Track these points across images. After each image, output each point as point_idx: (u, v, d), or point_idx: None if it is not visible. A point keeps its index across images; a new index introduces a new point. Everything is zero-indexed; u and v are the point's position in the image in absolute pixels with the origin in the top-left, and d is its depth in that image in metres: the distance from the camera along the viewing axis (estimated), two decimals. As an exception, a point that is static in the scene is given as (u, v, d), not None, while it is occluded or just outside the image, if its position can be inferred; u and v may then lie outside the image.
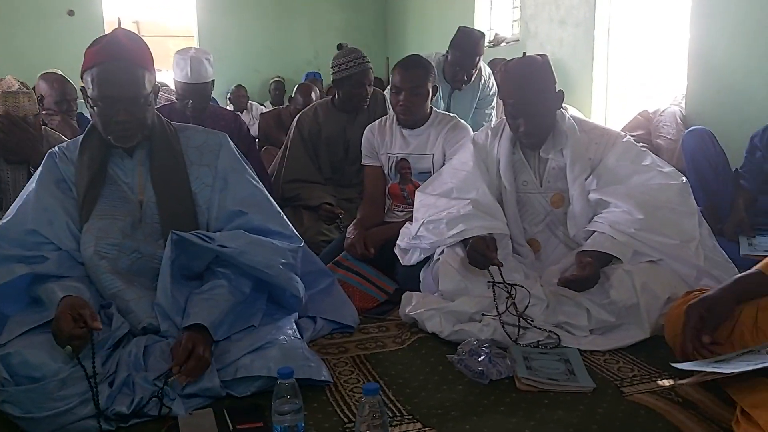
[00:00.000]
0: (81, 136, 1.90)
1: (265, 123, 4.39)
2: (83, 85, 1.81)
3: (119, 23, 1.94)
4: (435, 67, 3.62)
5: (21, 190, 2.65)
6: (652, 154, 2.28)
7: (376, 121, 2.83)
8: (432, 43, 6.78)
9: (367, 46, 7.27)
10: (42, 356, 1.50)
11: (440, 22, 6.80)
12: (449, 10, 6.60)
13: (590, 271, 1.94)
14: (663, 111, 3.89)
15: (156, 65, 1.92)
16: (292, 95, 4.59)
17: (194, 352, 1.56)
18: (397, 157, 2.70)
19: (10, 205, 2.66)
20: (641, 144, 2.56)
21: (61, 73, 3.69)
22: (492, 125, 2.44)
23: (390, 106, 3.36)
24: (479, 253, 2.04)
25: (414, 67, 2.58)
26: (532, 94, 2.15)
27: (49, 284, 1.66)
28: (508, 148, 2.30)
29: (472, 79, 3.77)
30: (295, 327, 1.81)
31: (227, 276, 1.77)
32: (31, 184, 1.85)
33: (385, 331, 2.14)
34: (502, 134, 2.33)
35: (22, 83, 2.65)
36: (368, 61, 3.09)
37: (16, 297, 1.72)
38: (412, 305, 2.13)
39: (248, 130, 3.34)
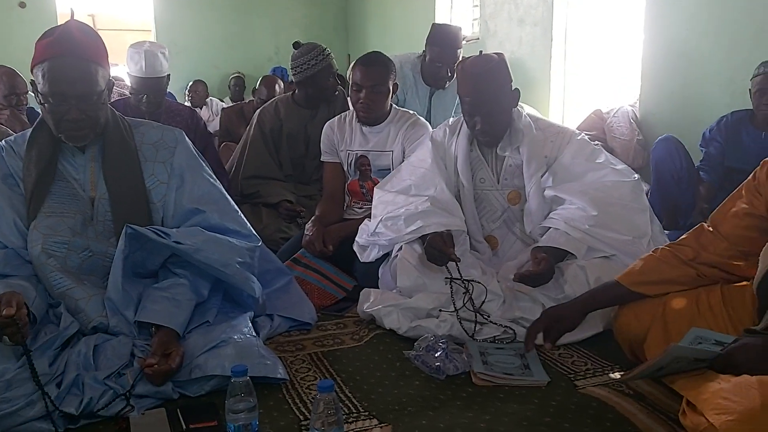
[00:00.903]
0: (29, 130, 1.84)
1: (226, 118, 4.33)
2: (33, 79, 1.76)
3: (72, 15, 1.87)
4: (411, 69, 3.62)
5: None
6: (606, 152, 2.33)
7: (336, 118, 2.81)
8: (393, 41, 6.81)
9: (328, 42, 7.18)
10: (-13, 357, 1.46)
11: (401, 19, 6.82)
12: (410, 7, 6.62)
13: (545, 266, 1.97)
14: (616, 111, 3.96)
15: (112, 60, 1.87)
16: (256, 87, 4.53)
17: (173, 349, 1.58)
18: (356, 153, 2.70)
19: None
20: (595, 143, 2.61)
21: (10, 66, 3.58)
22: (449, 123, 2.45)
23: (350, 103, 3.37)
24: (436, 249, 2.05)
25: (374, 64, 2.57)
26: (488, 92, 2.17)
27: (-6, 284, 1.61)
28: (466, 145, 2.32)
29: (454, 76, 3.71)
30: (250, 325, 1.80)
31: (186, 276, 1.74)
32: (-24, 179, 1.79)
33: (343, 328, 2.13)
34: (459, 132, 2.35)
35: None
36: (330, 53, 3.08)
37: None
38: (370, 302, 2.13)
39: (205, 126, 3.29)
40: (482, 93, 2.17)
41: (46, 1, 6.81)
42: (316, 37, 7.78)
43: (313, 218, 2.63)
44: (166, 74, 2.98)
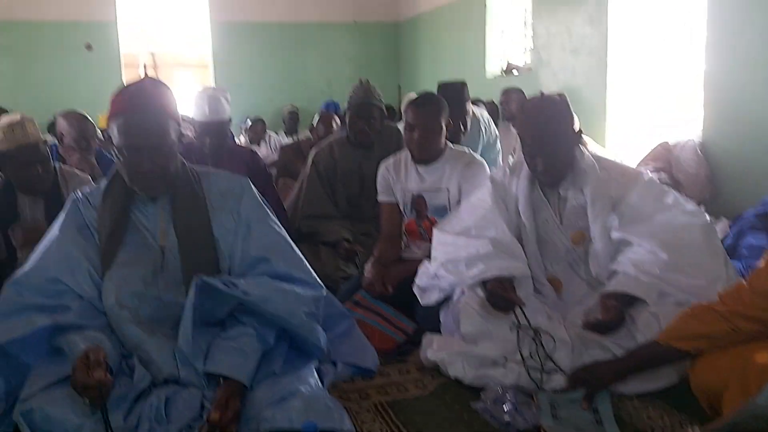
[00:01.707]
0: (104, 181, 1.90)
1: (285, 155, 4.41)
2: (107, 130, 1.82)
3: (145, 73, 1.94)
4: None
5: (40, 220, 2.72)
6: (675, 192, 2.26)
7: (391, 158, 2.83)
8: (445, 72, 6.83)
9: (379, 75, 7.36)
10: (64, 411, 1.49)
11: (452, 51, 6.85)
12: (461, 38, 6.65)
13: (615, 314, 1.91)
14: (683, 144, 3.86)
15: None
16: (314, 125, 4.59)
17: (234, 405, 1.56)
18: (412, 193, 2.70)
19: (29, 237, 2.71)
20: (661, 176, 2.56)
21: (81, 111, 3.73)
22: (510, 163, 2.43)
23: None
24: (499, 295, 2.02)
25: (427, 104, 2.59)
26: (551, 133, 2.15)
27: (71, 335, 1.65)
28: (527, 186, 2.29)
29: (469, 127, 3.67)
30: (316, 375, 1.79)
31: (252, 324, 1.76)
32: (54, 230, 1.85)
33: (406, 374, 2.11)
34: (520, 172, 2.32)
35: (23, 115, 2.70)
36: (374, 96, 3.09)
37: (38, 347, 1.71)
38: (433, 348, 2.10)
39: (265, 167, 3.36)
40: (544, 134, 2.14)
41: (111, 43, 7.12)
42: (367, 69, 7.91)
43: (372, 259, 2.63)
44: (227, 117, 3.06)
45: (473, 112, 3.82)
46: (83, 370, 1.50)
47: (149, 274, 1.80)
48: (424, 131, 2.53)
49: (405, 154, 2.75)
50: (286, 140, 6.09)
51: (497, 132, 4.10)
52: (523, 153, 2.24)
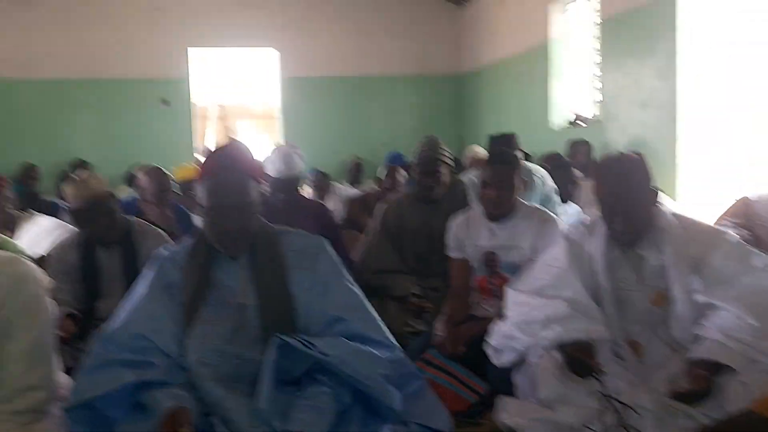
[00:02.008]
0: (188, 241, 1.98)
1: (352, 208, 4.48)
2: (183, 184, 1.90)
3: (231, 140, 2.05)
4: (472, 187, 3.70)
5: (116, 271, 2.83)
6: (761, 254, 2.16)
7: (462, 213, 2.83)
8: (509, 123, 6.84)
9: (441, 126, 7.45)
10: (148, 467, 1.52)
11: (516, 102, 6.87)
12: (525, 89, 6.67)
13: (704, 384, 1.83)
14: (766, 198, 3.71)
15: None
16: (380, 177, 4.65)
17: None
18: (484, 249, 2.68)
19: (106, 288, 2.83)
20: (741, 232, 2.46)
21: (159, 166, 3.90)
22: (585, 221, 2.39)
23: (472, 195, 3.38)
24: (579, 360, 1.97)
25: (502, 161, 2.59)
26: (628, 192, 2.11)
27: (156, 392, 1.70)
28: (604, 245, 2.24)
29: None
30: (392, 437, 1.77)
31: (328, 384, 1.76)
32: (141, 287, 1.92)
33: (480, 438, 2.06)
34: (596, 231, 2.28)
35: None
36: (441, 151, 3.11)
37: (123, 402, 1.76)
38: (508, 412, 2.05)
39: (334, 220, 3.41)
40: (622, 194, 2.11)
41: (184, 97, 7.47)
42: (429, 120, 8.02)
43: (442, 317, 2.61)
44: (300, 173, 3.14)
45: (526, 165, 3.85)
46: (169, 428, 1.52)
47: (229, 331, 1.84)
48: (499, 189, 2.54)
49: (476, 210, 2.75)
50: (351, 191, 6.17)
51: (554, 185, 4.08)
52: (601, 212, 2.20)
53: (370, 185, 6.60)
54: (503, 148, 3.67)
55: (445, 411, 2.13)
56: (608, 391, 1.91)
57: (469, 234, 2.73)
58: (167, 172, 3.83)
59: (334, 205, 6.33)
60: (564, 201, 3.90)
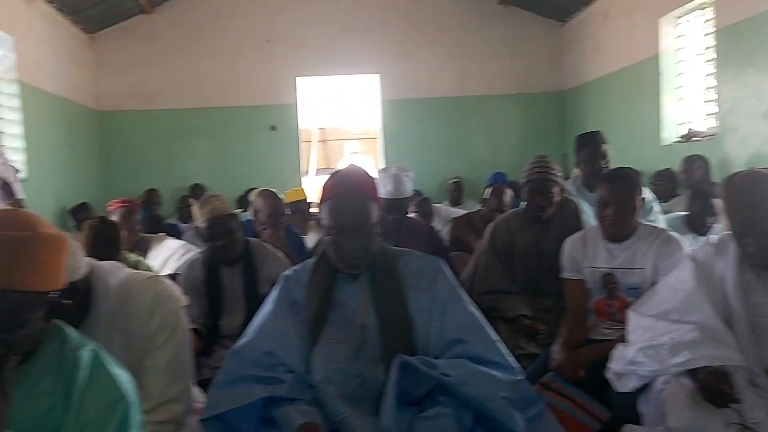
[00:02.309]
0: (310, 261, 2.05)
1: (457, 228, 4.46)
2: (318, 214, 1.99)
3: (350, 165, 2.12)
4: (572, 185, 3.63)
5: (237, 289, 2.97)
6: None
7: (578, 234, 2.77)
8: (614, 139, 6.59)
9: (543, 144, 7.30)
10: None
11: (623, 118, 6.64)
12: (632, 105, 6.44)
13: None
14: None
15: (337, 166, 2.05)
16: (486, 197, 4.62)
17: None
18: (602, 271, 2.60)
19: (228, 305, 2.98)
20: None
21: (274, 190, 4.07)
22: (714, 241, 2.28)
23: (583, 215, 3.29)
24: (712, 388, 1.86)
25: (622, 180, 2.52)
26: (763, 210, 2.00)
27: (285, 408, 1.76)
28: (736, 266, 2.12)
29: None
30: (516, 462, 1.75)
31: (449, 405, 1.77)
32: (268, 305, 2.01)
33: (605, 467, 1.99)
34: (727, 251, 2.16)
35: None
36: (552, 171, 3.06)
37: (253, 416, 1.84)
38: (636, 441, 1.97)
39: (442, 242, 3.42)
40: (756, 212, 2.00)
41: (291, 123, 7.76)
42: (531, 138, 7.90)
43: (559, 340, 2.55)
44: (410, 195, 3.18)
45: None
46: None
47: (352, 351, 1.89)
48: (618, 208, 2.46)
49: (593, 230, 2.68)
50: (452, 211, 6.16)
51: (651, 194, 3.90)
52: (732, 232, 2.09)
53: (471, 205, 6.57)
54: (590, 140, 3.68)
55: (567, 437, 2.09)
56: (747, 422, 1.80)
57: (585, 255, 2.66)
58: (280, 195, 3.98)
59: (436, 226, 6.35)
60: (702, 234, 3.64)
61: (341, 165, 2.51)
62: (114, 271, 1.84)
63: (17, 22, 5.49)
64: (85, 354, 1.23)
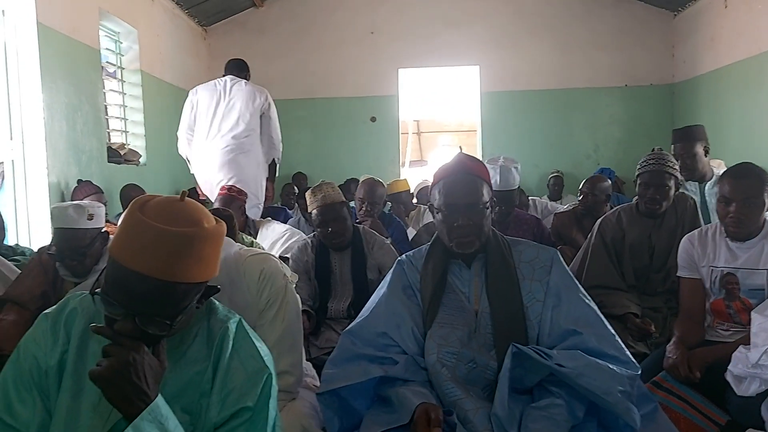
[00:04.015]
0: (425, 246, 2.09)
1: (559, 222, 4.38)
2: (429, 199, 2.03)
3: (461, 149, 2.16)
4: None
5: (346, 274, 3.06)
6: None
7: (696, 231, 2.66)
8: (729, 133, 6.29)
9: (650, 139, 7.00)
10: (396, 457, 1.63)
11: (740, 111, 6.27)
12: (752, 98, 6.07)
13: None
14: None
15: (428, 158, 2.07)
16: (581, 189, 4.50)
17: None
18: (722, 271, 2.49)
19: (336, 289, 3.07)
20: None
21: (375, 177, 4.15)
22: None
23: (706, 214, 3.15)
24: None
25: (746, 176, 2.39)
26: None
27: (401, 388, 1.80)
28: None
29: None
30: (629, 458, 1.71)
31: (562, 396, 1.76)
32: (383, 288, 2.06)
33: (723, 472, 1.92)
34: None
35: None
36: (668, 165, 2.95)
37: (366, 394, 1.90)
38: (760, 447, 1.89)
39: (549, 235, 3.37)
40: None
41: (391, 114, 7.85)
42: (636, 133, 7.61)
43: (673, 339, 2.46)
44: (517, 187, 3.16)
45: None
46: (424, 426, 1.62)
47: (465, 335, 1.91)
48: (742, 206, 2.35)
49: (713, 228, 2.57)
50: (550, 204, 6.04)
51: None
52: None
53: (571, 200, 6.41)
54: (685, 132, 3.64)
55: (682, 437, 2.03)
56: None
57: (703, 253, 2.55)
58: (380, 182, 4.05)
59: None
60: None
61: (434, 157, 2.55)
62: (225, 246, 1.94)
63: (140, 16, 5.85)
64: (232, 325, 1.31)
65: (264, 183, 4.90)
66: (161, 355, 1.19)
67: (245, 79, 4.84)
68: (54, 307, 1.33)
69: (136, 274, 1.12)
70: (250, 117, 4.68)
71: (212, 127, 4.69)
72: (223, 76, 4.86)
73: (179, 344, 1.29)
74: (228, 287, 1.83)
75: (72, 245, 2.57)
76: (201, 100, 4.74)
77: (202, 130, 4.72)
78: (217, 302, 1.37)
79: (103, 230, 2.67)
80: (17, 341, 1.29)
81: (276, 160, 4.97)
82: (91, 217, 2.58)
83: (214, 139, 4.67)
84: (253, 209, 4.61)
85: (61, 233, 2.58)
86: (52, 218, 2.57)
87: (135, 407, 1.11)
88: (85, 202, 2.73)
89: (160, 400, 1.15)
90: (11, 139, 4.06)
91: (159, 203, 1.19)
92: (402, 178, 5.19)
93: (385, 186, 4.08)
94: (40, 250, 2.80)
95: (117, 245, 1.16)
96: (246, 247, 2.05)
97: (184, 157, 4.93)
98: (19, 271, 2.81)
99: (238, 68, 4.88)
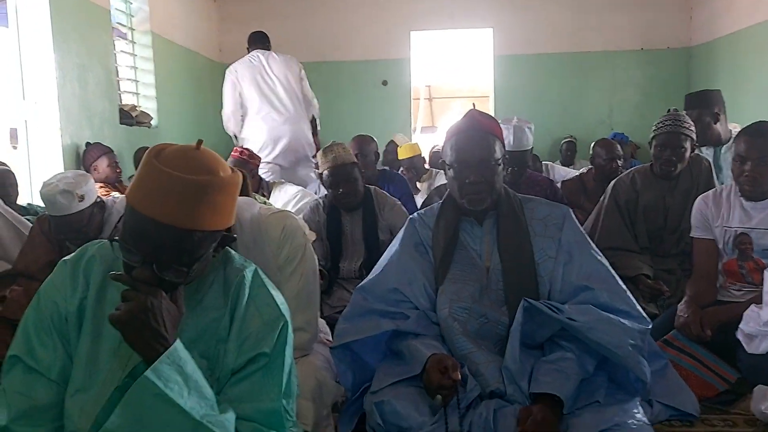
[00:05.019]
0: (437, 204, 2.09)
1: (567, 189, 4.35)
2: (441, 156, 2.02)
3: (474, 106, 2.14)
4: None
5: (357, 234, 3.08)
6: None
7: (710, 191, 2.64)
8: (746, 98, 6.18)
9: (666, 103, 6.84)
10: (409, 408, 1.65)
11: (759, 75, 6.16)
12: (770, 61, 5.95)
13: None
14: None
15: (439, 123, 2.06)
16: (591, 151, 4.47)
17: (548, 427, 1.57)
18: (735, 231, 2.48)
19: (348, 249, 3.09)
20: None
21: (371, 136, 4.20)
22: None
23: (719, 174, 3.13)
24: None
25: (763, 135, 2.37)
26: None
27: (411, 341, 1.83)
28: None
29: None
30: (642, 411, 1.73)
31: (572, 350, 1.77)
32: (394, 246, 2.07)
33: (732, 426, 1.94)
34: None
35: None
36: (684, 126, 2.92)
37: (377, 348, 1.93)
38: (768, 403, 1.90)
39: (563, 197, 3.36)
40: None
41: (403, 78, 7.76)
42: (653, 97, 7.49)
43: (686, 299, 2.47)
44: (530, 148, 3.14)
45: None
46: (437, 372, 1.65)
47: (477, 291, 1.92)
48: (757, 164, 2.33)
49: (728, 188, 2.55)
50: (562, 170, 6.00)
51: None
52: None
53: (584, 165, 6.36)
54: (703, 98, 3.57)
55: (692, 394, 2.05)
56: None
57: (718, 213, 2.54)
58: (370, 137, 4.10)
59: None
60: None
61: (445, 123, 2.54)
62: (247, 206, 1.95)
63: (150, -24, 5.79)
64: (248, 273, 1.33)
65: (312, 141, 5.23)
66: (179, 301, 1.21)
67: (269, 49, 5.14)
68: (73, 254, 1.34)
69: (152, 221, 1.13)
70: (293, 85, 5.05)
71: (263, 101, 4.99)
72: (248, 49, 5.13)
73: (196, 292, 1.30)
74: (252, 247, 1.85)
75: (71, 228, 2.55)
76: (242, 77, 4.99)
77: (253, 106, 5.01)
78: (233, 251, 1.38)
79: (97, 200, 2.64)
80: None
81: (315, 116, 5.34)
82: (81, 199, 2.54)
83: (268, 113, 4.99)
84: (308, 168, 5.10)
85: (57, 220, 2.55)
86: (44, 204, 2.53)
87: (154, 350, 1.13)
88: (70, 181, 2.57)
89: (178, 344, 1.17)
90: (24, 99, 4.07)
91: (175, 151, 1.20)
92: (413, 142, 5.17)
93: (398, 145, 4.08)
94: (39, 218, 2.77)
95: (134, 192, 1.17)
96: (266, 206, 2.07)
97: (231, 135, 5.20)
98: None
99: (263, 40, 5.15)
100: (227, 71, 5.07)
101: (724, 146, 3.55)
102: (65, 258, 1.34)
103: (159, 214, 1.13)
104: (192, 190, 1.14)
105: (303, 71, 5.20)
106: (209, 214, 1.17)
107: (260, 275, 1.35)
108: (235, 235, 1.32)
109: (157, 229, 1.13)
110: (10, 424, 1.19)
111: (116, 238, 1.19)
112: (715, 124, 3.52)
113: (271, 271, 1.84)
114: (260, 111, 5.00)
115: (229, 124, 5.12)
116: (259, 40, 5.14)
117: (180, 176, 1.14)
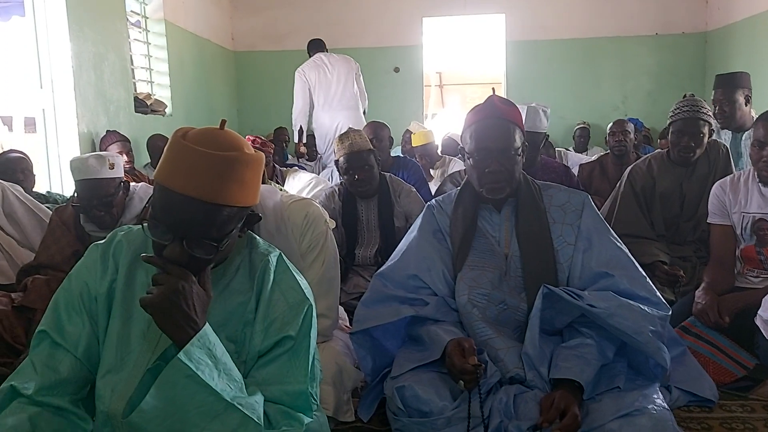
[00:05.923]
0: (455, 191, 2.09)
1: (585, 173, 4.35)
2: (460, 144, 2.02)
3: (494, 92, 2.13)
4: None
5: (373, 221, 3.09)
6: None
7: (728, 177, 2.63)
8: (765, 87, 6.11)
9: (681, 89, 6.81)
10: (430, 393, 1.67)
11: (776, 61, 6.09)
12: (788, 47, 5.88)
13: None
14: None
15: (454, 109, 2.05)
16: (607, 138, 4.48)
17: (570, 412, 1.58)
18: (753, 216, 2.47)
19: (363, 236, 3.10)
20: None
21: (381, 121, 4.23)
22: None
23: (738, 161, 3.10)
24: None
25: (782, 119, 2.35)
26: None
27: (431, 327, 1.84)
28: None
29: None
30: (662, 396, 1.74)
31: (592, 337, 1.78)
32: (413, 232, 2.08)
33: (751, 412, 1.95)
34: None
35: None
36: (702, 111, 2.90)
37: (397, 334, 1.95)
38: (788, 389, 1.90)
39: (578, 183, 3.35)
40: None
41: (415, 65, 7.74)
42: (667, 84, 7.44)
43: (703, 285, 2.47)
44: (544, 131, 3.13)
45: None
46: (459, 356, 1.66)
47: (496, 278, 1.93)
48: (777, 149, 2.31)
49: (746, 173, 2.53)
50: (575, 156, 5.99)
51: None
52: None
53: (597, 152, 6.34)
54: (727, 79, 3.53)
55: (710, 379, 2.06)
56: None
57: (735, 199, 2.53)
58: (383, 124, 4.12)
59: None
60: None
61: (451, 107, 2.54)
62: (270, 194, 1.97)
63: (163, -36, 5.79)
64: (272, 258, 1.35)
65: None
66: (206, 285, 1.23)
67: (326, 51, 5.91)
68: (102, 240, 1.37)
69: (182, 196, 1.15)
70: (353, 83, 5.79)
71: (329, 98, 5.72)
72: (309, 54, 5.91)
73: (222, 276, 1.32)
74: (276, 234, 1.87)
75: (98, 194, 2.52)
76: (311, 78, 5.74)
77: (319, 101, 5.75)
78: (258, 237, 1.40)
79: (123, 180, 2.65)
80: (49, 300, 1.35)
81: (365, 109, 5.99)
82: (112, 167, 2.55)
83: (333, 109, 5.71)
84: None
85: (84, 184, 2.53)
86: (72, 171, 2.53)
87: (185, 333, 1.15)
88: (104, 152, 2.68)
89: (207, 327, 1.19)
90: (41, 87, 4.10)
91: (200, 131, 1.22)
92: (427, 130, 5.16)
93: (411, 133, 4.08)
94: (57, 209, 2.77)
95: (163, 171, 1.19)
96: (288, 194, 2.09)
97: (296, 130, 5.85)
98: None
99: (321, 45, 5.94)
100: (296, 72, 5.75)
101: (746, 132, 3.52)
102: (96, 242, 1.36)
103: (189, 189, 1.15)
104: (221, 166, 1.17)
105: (359, 69, 5.87)
106: (236, 189, 1.19)
107: (284, 260, 1.37)
108: (260, 215, 1.35)
109: (188, 204, 1.16)
110: (34, 395, 1.24)
111: (144, 221, 1.21)
112: (746, 105, 3.49)
113: (294, 258, 1.87)
114: (324, 105, 5.70)
115: (299, 119, 5.79)
116: (318, 45, 5.91)
117: (208, 152, 1.17)
